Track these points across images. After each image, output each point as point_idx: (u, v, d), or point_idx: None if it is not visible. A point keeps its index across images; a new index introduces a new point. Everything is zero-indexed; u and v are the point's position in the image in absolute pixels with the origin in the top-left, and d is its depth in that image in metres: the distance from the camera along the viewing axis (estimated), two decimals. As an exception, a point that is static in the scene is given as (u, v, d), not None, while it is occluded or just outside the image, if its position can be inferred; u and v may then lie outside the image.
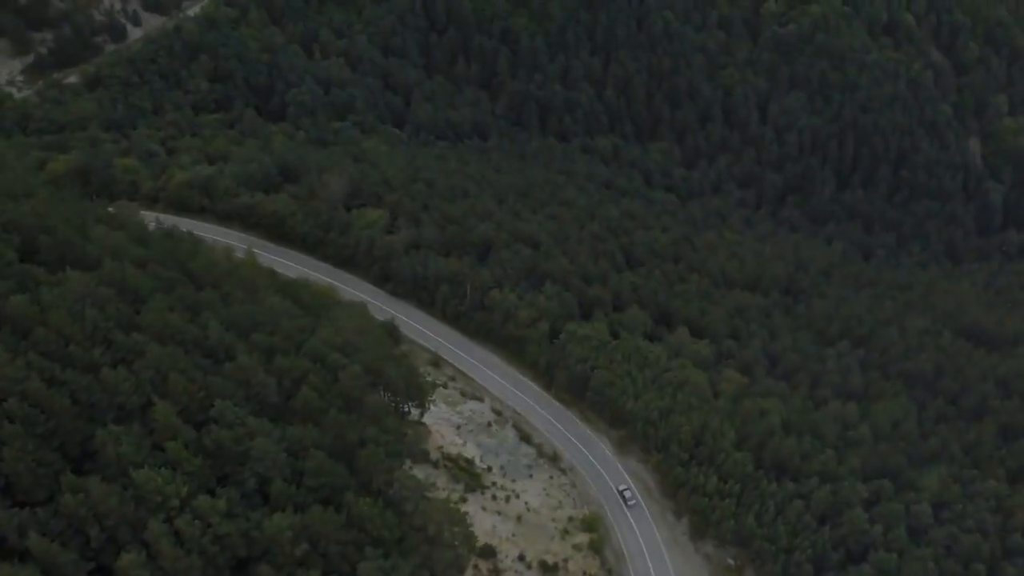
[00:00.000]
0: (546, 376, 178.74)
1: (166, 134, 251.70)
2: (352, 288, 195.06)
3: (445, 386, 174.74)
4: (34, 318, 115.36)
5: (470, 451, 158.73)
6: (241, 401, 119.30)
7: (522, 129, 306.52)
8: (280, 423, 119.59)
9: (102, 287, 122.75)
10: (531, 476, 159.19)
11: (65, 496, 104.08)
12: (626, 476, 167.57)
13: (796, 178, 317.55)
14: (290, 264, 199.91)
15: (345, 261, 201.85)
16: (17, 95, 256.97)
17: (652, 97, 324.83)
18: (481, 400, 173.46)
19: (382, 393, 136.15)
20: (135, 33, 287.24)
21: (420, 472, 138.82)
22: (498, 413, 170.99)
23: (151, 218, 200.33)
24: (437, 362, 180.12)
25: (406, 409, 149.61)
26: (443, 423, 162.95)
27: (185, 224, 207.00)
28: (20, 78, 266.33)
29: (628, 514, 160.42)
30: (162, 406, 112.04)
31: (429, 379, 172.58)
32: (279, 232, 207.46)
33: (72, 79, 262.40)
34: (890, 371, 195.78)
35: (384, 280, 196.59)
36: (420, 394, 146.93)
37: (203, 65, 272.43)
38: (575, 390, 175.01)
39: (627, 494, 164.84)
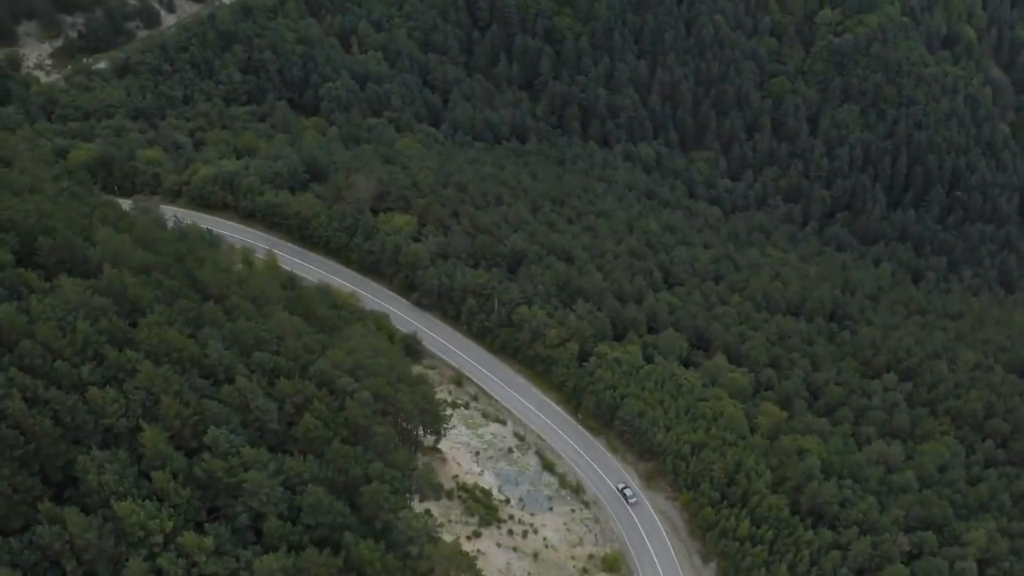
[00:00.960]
0: (573, 400, 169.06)
1: (195, 125, 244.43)
2: (375, 296, 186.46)
3: (467, 406, 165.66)
4: (20, 329, 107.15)
5: (488, 480, 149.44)
6: (238, 427, 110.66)
7: (562, 133, 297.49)
8: (279, 453, 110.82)
9: (97, 297, 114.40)
10: (551, 509, 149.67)
11: (41, 526, 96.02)
12: (625, 475, 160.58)
13: (845, 194, 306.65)
14: (312, 268, 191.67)
15: (369, 268, 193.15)
16: (44, 79, 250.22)
17: (699, 104, 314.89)
18: (503, 423, 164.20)
19: (395, 420, 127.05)
20: (168, 19, 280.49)
21: (433, 505, 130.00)
22: (520, 438, 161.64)
23: (171, 214, 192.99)
24: (460, 380, 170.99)
25: (420, 435, 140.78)
26: (461, 448, 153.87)
27: (205, 221, 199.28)
28: (49, 62, 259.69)
29: (633, 514, 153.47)
30: (151, 432, 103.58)
31: (449, 399, 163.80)
32: (303, 234, 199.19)
33: (101, 65, 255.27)
34: (938, 409, 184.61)
35: (409, 290, 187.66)
36: (436, 421, 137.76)
37: (236, 55, 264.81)
38: (603, 417, 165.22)
39: (628, 492, 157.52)
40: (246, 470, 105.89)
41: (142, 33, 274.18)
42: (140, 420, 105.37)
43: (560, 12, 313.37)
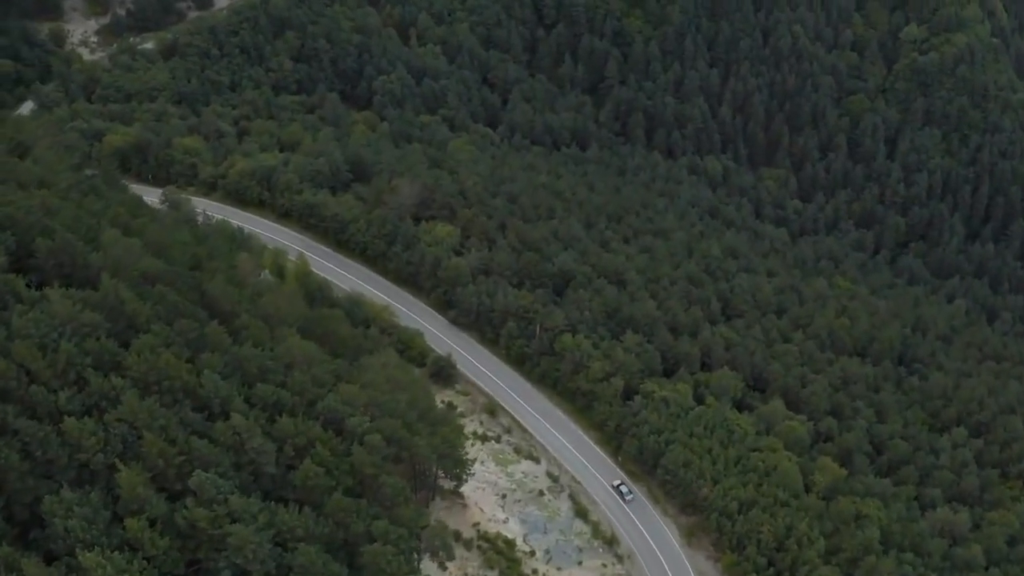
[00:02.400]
0: (614, 441, 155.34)
1: (240, 113, 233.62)
2: (410, 311, 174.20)
3: (498, 440, 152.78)
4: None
5: (512, 528, 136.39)
6: (229, 470, 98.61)
7: (625, 141, 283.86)
8: (273, 502, 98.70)
9: (88, 312, 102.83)
10: (580, 563, 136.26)
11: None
12: (620, 472, 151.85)
13: (921, 223, 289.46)
14: (347, 275, 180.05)
15: (407, 279, 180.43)
16: (88, 57, 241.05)
17: (771, 118, 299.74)
18: (536, 461, 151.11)
19: (410, 464, 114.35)
20: (221, 1, 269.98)
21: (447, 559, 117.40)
22: (554, 479, 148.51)
23: (203, 208, 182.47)
24: (493, 409, 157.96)
25: (440, 476, 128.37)
26: (486, 490, 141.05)
27: (239, 218, 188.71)
28: (94, 39, 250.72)
29: (628, 510, 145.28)
30: (128, 473, 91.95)
31: (480, 430, 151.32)
32: (339, 238, 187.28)
33: (148, 45, 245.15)
34: (1009, 471, 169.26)
35: (446, 306, 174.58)
36: (457, 467, 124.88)
37: (288, 42, 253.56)
38: (645, 463, 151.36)
39: (623, 488, 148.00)
40: (233, 521, 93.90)
41: (192, 14, 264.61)
42: (118, 459, 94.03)
43: (630, 14, 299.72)
